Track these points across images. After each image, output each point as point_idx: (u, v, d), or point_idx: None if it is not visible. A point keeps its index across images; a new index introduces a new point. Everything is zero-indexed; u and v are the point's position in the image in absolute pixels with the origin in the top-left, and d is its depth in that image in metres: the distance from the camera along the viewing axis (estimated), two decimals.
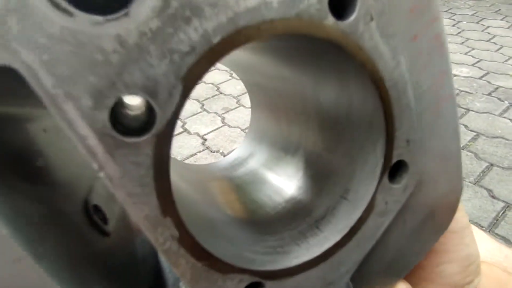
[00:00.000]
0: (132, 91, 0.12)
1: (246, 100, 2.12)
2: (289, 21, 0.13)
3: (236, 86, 2.26)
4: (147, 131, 0.12)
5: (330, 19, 0.14)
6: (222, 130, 1.91)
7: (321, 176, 0.22)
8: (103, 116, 0.12)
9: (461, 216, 0.25)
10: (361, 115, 0.18)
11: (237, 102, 2.12)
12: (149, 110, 0.12)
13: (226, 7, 0.12)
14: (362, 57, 0.16)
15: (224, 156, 1.72)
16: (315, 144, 0.23)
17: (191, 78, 0.12)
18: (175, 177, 0.17)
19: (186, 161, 1.69)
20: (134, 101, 0.13)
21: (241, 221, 0.22)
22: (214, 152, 1.76)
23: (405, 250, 0.22)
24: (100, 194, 0.19)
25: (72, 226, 0.17)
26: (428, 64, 0.18)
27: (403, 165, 0.18)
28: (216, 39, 0.12)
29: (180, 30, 0.12)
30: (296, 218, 0.21)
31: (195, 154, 1.76)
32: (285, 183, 0.24)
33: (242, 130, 1.89)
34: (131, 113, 0.13)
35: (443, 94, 0.19)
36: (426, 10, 0.18)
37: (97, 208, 0.19)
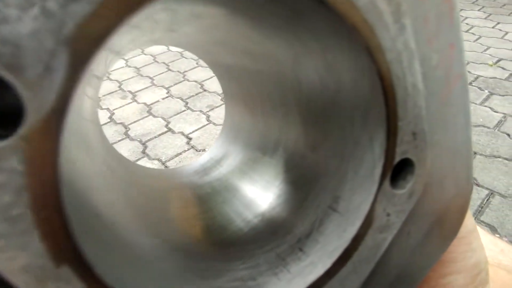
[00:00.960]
0: None
1: None
2: None
3: None
4: (10, 132, 0.07)
5: None
6: (208, 128, 1.87)
7: (304, 181, 0.18)
8: None
9: (467, 218, 0.21)
10: (354, 100, 0.14)
11: (221, 100, 2.08)
12: (11, 96, 0.08)
13: None
14: (355, 18, 0.11)
15: None
16: (297, 141, 0.19)
17: (85, 39, 0.08)
18: (114, 192, 0.13)
19: (171, 162, 1.64)
20: None
21: (203, 245, 0.17)
22: (199, 151, 1.72)
23: (409, 267, 0.18)
24: None
25: None
26: (436, 34, 0.14)
27: (408, 165, 0.14)
28: None
29: None
30: (273, 236, 0.16)
31: (180, 154, 1.72)
32: (261, 191, 0.20)
33: None
34: None
35: (453, 73, 0.15)
36: None
37: None
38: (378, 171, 0.13)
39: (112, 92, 2.15)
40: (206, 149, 1.69)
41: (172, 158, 1.67)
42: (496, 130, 1.74)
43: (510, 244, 0.33)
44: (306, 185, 0.17)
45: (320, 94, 0.16)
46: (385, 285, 0.17)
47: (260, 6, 0.13)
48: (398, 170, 0.14)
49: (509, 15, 3.06)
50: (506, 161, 1.55)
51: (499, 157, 1.60)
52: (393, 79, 0.12)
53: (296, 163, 0.19)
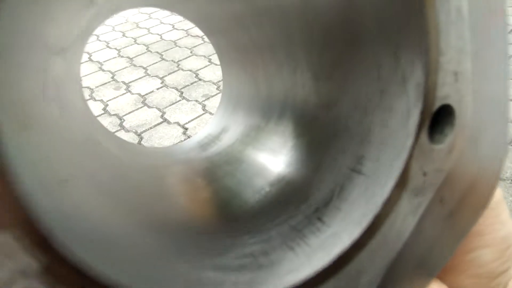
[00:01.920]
0: None
1: None
2: None
3: (216, 72, 2.18)
4: None
5: None
6: (204, 118, 1.84)
7: (319, 142, 0.15)
8: None
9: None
10: (381, 29, 0.11)
11: (217, 88, 2.05)
12: None
13: None
14: None
15: None
16: (307, 100, 0.16)
17: None
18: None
19: None
20: None
21: (202, 221, 0.15)
22: None
23: (440, 240, 0.15)
24: None
25: None
26: None
27: (447, 113, 0.12)
28: None
29: None
30: (286, 206, 0.14)
31: (177, 144, 1.70)
32: (267, 161, 0.17)
33: None
34: None
35: (494, 5, 0.13)
36: None
37: None
38: (414, 120, 0.11)
39: (105, 83, 2.11)
40: None
41: None
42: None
43: None
44: (321, 147, 0.15)
45: (336, 27, 0.13)
46: (414, 261, 0.14)
47: None
48: (435, 120, 0.12)
49: None
50: None
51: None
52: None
53: (307, 125, 0.16)
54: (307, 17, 0.14)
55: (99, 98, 1.98)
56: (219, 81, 2.06)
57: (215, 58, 2.26)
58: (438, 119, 0.12)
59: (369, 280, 0.12)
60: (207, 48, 2.37)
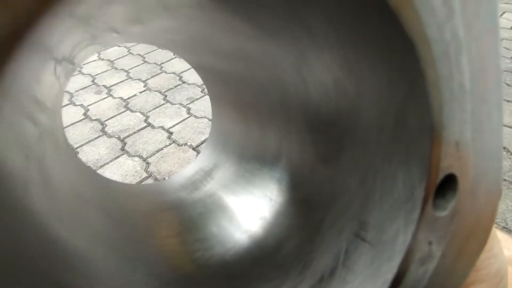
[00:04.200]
0: None
1: None
2: None
3: None
4: None
5: None
6: (189, 121, 1.82)
7: (317, 200, 0.15)
8: None
9: None
10: (384, 107, 0.11)
11: (202, 91, 2.03)
12: None
13: None
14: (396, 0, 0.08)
15: (193, 148, 1.62)
16: (303, 152, 0.16)
17: None
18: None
19: (153, 158, 1.59)
20: None
21: (202, 279, 0.14)
22: (181, 145, 1.68)
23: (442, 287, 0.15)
24: None
25: None
26: (476, 17, 0.11)
27: (450, 181, 0.12)
28: None
29: None
30: (289, 271, 0.13)
31: (162, 149, 1.67)
32: (264, 208, 0.17)
33: (210, 120, 1.82)
34: None
35: (490, 64, 0.13)
36: None
37: None
38: (419, 193, 0.11)
39: (86, 87, 2.05)
40: (188, 143, 1.65)
41: (153, 154, 1.62)
42: None
43: (506, 233, 0.32)
44: (321, 206, 0.14)
45: (334, 98, 0.13)
46: None
47: (264, 4, 0.10)
48: (439, 187, 0.11)
49: None
50: None
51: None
52: (439, 79, 0.10)
53: (304, 178, 0.16)
54: (304, 87, 0.14)
55: (79, 103, 1.92)
56: (203, 84, 2.04)
57: None
58: (442, 186, 0.12)
59: None
60: None
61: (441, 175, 0.11)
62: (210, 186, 0.21)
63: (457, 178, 0.11)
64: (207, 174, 0.22)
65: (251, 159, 0.19)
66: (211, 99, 0.24)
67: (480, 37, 0.12)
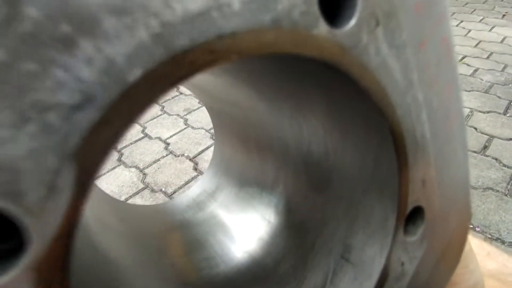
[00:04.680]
0: None
1: None
2: (261, 33, 0.08)
3: None
4: (13, 264, 0.06)
5: (322, 27, 0.09)
6: (186, 132, 1.84)
7: (310, 225, 0.17)
8: None
9: None
10: (362, 154, 0.14)
11: (199, 102, 2.05)
12: (10, 226, 0.06)
13: (147, 14, 0.07)
14: (368, 80, 0.11)
15: (190, 159, 1.64)
16: (297, 181, 0.18)
17: (93, 151, 0.07)
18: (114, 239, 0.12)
19: (149, 169, 1.60)
20: None
21: None
22: (178, 156, 1.69)
23: None
24: None
25: None
26: (436, 77, 0.14)
27: (419, 212, 0.14)
28: (133, 75, 0.07)
29: (53, 64, 0.06)
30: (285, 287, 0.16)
31: (159, 160, 1.68)
32: (263, 230, 0.19)
33: (207, 131, 1.83)
34: None
35: (452, 111, 0.15)
36: (433, 6, 0.13)
37: None
38: (391, 222, 0.13)
39: None
40: (185, 154, 1.66)
41: (150, 165, 1.63)
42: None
43: (496, 248, 0.34)
44: (313, 230, 0.17)
45: (323, 140, 0.16)
46: None
47: (269, 71, 0.12)
48: (408, 217, 0.14)
49: (471, 13, 3.21)
50: (475, 154, 1.62)
51: (468, 150, 1.67)
52: (403, 133, 0.12)
53: (298, 204, 0.18)
54: (300, 134, 0.16)
55: None
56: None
57: None
58: (412, 216, 0.14)
59: None
60: None
61: (409, 207, 0.13)
62: (213, 207, 0.23)
63: (424, 209, 0.14)
64: (210, 195, 0.24)
65: (252, 183, 0.22)
66: (214, 127, 0.27)
67: (440, 92, 0.14)
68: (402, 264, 0.14)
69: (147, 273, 0.16)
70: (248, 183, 0.22)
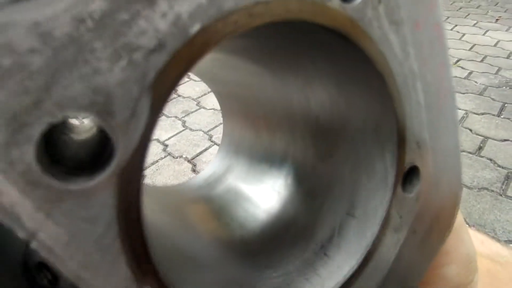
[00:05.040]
0: (70, 113, 0.08)
1: (207, 101, 2.06)
2: (288, 2, 0.10)
3: (195, 88, 2.19)
4: (103, 169, 0.08)
5: (335, 1, 0.11)
6: (184, 134, 1.84)
7: (318, 189, 0.19)
8: (27, 154, 0.07)
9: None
10: (365, 117, 0.15)
11: (197, 104, 2.06)
12: (103, 138, 0.08)
13: None
14: (371, 49, 0.13)
15: (189, 161, 1.65)
16: (306, 152, 0.20)
17: (163, 85, 0.09)
18: (147, 212, 0.13)
19: (148, 170, 1.61)
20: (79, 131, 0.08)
21: (233, 256, 0.18)
22: (176, 157, 1.70)
23: (416, 261, 0.20)
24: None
25: None
26: (429, 56, 0.16)
27: (415, 171, 0.16)
28: (194, 29, 0.09)
29: (139, 16, 0.08)
30: (297, 243, 0.18)
31: (157, 161, 1.69)
32: (275, 200, 0.21)
33: (205, 132, 1.84)
34: (74, 144, 0.09)
35: (444, 88, 0.17)
36: None
37: (41, 266, 0.14)
38: (391, 178, 0.15)
39: None
40: (183, 156, 1.67)
41: (148, 166, 1.63)
42: (459, 126, 1.84)
43: (489, 236, 0.36)
44: (321, 194, 0.18)
45: (329, 110, 0.18)
46: (399, 280, 0.18)
47: (281, 44, 0.14)
48: (406, 176, 0.16)
49: (465, 17, 3.27)
50: (470, 155, 1.65)
51: (463, 151, 1.70)
52: (402, 98, 0.14)
53: (307, 173, 0.20)
54: (307, 102, 0.18)
55: None
56: (199, 97, 2.08)
57: None
58: (408, 175, 0.16)
59: None
60: None
61: (407, 166, 0.15)
62: (224, 186, 0.25)
63: (419, 169, 0.16)
64: (221, 175, 0.26)
65: (261, 161, 0.23)
66: (222, 110, 0.28)
67: (433, 69, 0.16)
68: (401, 217, 0.16)
69: (197, 239, 0.18)
70: (257, 161, 0.24)
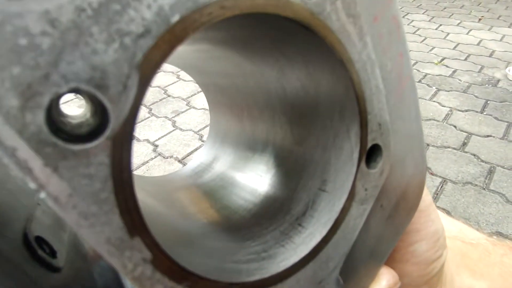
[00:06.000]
0: (73, 85, 0.09)
1: (197, 101, 2.07)
2: None
3: (185, 88, 2.20)
4: (100, 134, 0.10)
5: None
6: (174, 134, 1.84)
7: (295, 170, 0.21)
8: (38, 118, 0.09)
9: (425, 194, 0.26)
10: (331, 101, 0.17)
11: (187, 104, 2.07)
12: (100, 108, 0.10)
13: None
14: (331, 39, 0.15)
15: (179, 161, 1.66)
16: (284, 139, 0.22)
17: (149, 65, 0.10)
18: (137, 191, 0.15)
19: (138, 171, 1.61)
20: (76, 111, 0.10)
21: (217, 231, 0.20)
22: (167, 158, 1.70)
23: (384, 235, 0.22)
24: (42, 223, 0.16)
25: (10, 267, 0.14)
26: (389, 46, 0.18)
27: (377, 149, 0.18)
28: (174, 18, 0.11)
29: (129, 6, 0.10)
30: (275, 218, 0.19)
31: (147, 162, 1.68)
32: (257, 183, 0.23)
33: (196, 132, 1.85)
34: (74, 117, 0.11)
35: (404, 75, 0.19)
36: None
37: (40, 240, 0.15)
38: (356, 155, 0.17)
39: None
40: (173, 156, 1.68)
41: (139, 167, 1.63)
42: (444, 123, 1.89)
43: (468, 225, 0.38)
44: (297, 174, 0.20)
45: (302, 98, 0.19)
46: (367, 251, 0.20)
47: (254, 36, 0.16)
48: (370, 154, 0.18)
49: (449, 17, 3.35)
50: (455, 151, 1.70)
51: (449, 147, 1.74)
52: (361, 82, 0.16)
53: (285, 157, 0.22)
54: (283, 90, 0.20)
55: None
56: (189, 97, 2.09)
57: (184, 74, 2.29)
58: (372, 153, 0.18)
59: (334, 265, 0.18)
60: None
61: (369, 144, 0.17)
62: (211, 174, 0.27)
63: (382, 147, 0.18)
64: (208, 165, 0.28)
65: (245, 150, 0.25)
66: (209, 104, 0.30)
67: (393, 58, 0.18)
68: (366, 190, 0.18)
69: (186, 218, 0.20)
70: (241, 149, 0.26)
